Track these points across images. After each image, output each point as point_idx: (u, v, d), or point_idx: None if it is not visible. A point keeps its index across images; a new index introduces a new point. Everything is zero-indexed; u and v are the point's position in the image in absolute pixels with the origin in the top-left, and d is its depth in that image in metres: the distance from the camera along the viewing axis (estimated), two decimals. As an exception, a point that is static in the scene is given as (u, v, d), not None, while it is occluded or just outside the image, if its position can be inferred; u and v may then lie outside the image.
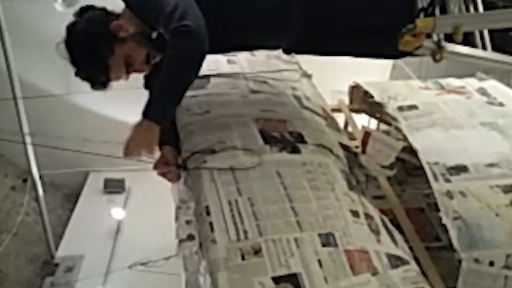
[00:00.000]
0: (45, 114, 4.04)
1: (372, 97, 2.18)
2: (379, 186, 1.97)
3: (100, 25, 1.28)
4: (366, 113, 2.52)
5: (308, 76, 2.12)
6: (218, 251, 1.03)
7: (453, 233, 1.39)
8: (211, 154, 1.29)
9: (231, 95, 1.63)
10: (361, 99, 2.50)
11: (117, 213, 3.87)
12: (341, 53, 1.61)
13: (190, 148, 1.33)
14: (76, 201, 4.21)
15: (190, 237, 2.01)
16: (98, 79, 1.32)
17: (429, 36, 1.37)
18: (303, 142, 1.39)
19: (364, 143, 2.08)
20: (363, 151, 2.03)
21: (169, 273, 2.45)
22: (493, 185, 1.57)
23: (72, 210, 4.11)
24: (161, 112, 1.22)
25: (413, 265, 1.19)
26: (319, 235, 1.08)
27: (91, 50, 1.28)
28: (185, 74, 1.21)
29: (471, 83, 2.32)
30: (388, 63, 4.05)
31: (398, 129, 1.95)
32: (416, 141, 1.75)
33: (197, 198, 1.19)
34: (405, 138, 1.85)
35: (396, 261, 1.14)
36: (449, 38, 1.40)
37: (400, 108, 2.05)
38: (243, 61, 1.97)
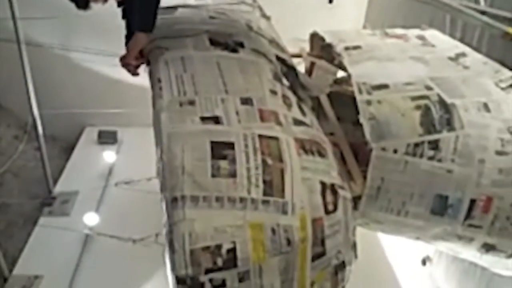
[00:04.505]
0: (46, 72, 4.41)
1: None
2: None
3: None
4: (323, 58, 2.87)
5: (266, 17, 2.48)
6: (163, 101, 1.43)
7: (367, 130, 1.74)
8: (167, 50, 1.68)
9: (192, 18, 2.00)
10: (320, 46, 2.84)
11: (109, 156, 4.26)
12: None
13: (152, 46, 1.71)
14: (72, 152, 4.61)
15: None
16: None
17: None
18: (243, 47, 1.77)
19: (310, 73, 2.46)
20: (309, 78, 2.40)
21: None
22: (405, 96, 1.92)
23: (68, 160, 4.51)
24: (142, 22, 1.62)
25: (317, 130, 1.56)
26: (240, 98, 1.46)
27: None
28: None
29: (413, 32, 2.68)
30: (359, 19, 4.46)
31: (341, 63, 2.31)
32: (353, 70, 2.09)
33: (153, 76, 1.58)
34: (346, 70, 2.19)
35: (300, 123, 1.51)
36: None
37: (347, 48, 2.40)
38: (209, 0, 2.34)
